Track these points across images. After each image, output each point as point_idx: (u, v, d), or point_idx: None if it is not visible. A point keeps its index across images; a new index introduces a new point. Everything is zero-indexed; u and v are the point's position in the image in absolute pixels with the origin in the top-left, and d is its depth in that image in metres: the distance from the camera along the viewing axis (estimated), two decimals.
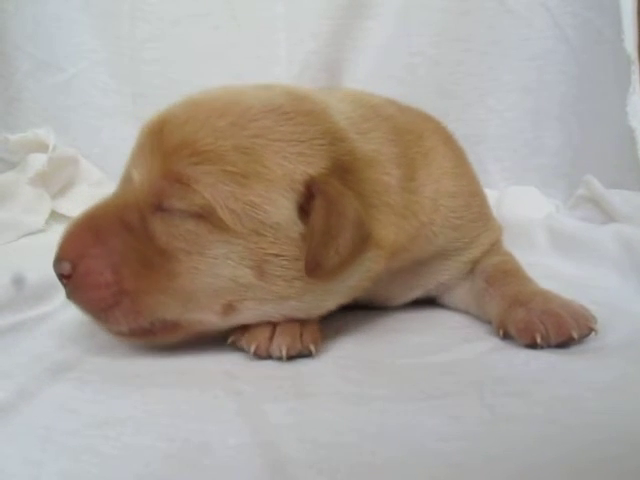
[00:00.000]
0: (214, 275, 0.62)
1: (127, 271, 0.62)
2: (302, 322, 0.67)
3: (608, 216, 1.20)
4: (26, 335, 0.74)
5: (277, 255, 0.63)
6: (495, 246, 0.86)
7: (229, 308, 0.64)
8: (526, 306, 0.69)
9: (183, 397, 0.57)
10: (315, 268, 0.62)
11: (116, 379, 0.62)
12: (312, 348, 0.66)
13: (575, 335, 0.65)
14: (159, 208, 0.63)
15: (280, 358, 0.65)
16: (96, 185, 1.56)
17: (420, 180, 0.76)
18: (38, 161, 1.44)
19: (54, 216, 1.46)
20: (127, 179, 0.67)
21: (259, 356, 0.65)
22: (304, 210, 0.63)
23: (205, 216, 0.61)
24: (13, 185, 1.42)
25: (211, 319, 0.65)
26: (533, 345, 0.66)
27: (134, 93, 1.66)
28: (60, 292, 0.87)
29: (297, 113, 0.66)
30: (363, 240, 0.64)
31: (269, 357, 0.65)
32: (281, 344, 0.64)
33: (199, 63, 1.61)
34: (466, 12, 1.58)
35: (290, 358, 0.65)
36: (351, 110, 0.73)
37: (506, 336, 0.70)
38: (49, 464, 0.46)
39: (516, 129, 1.58)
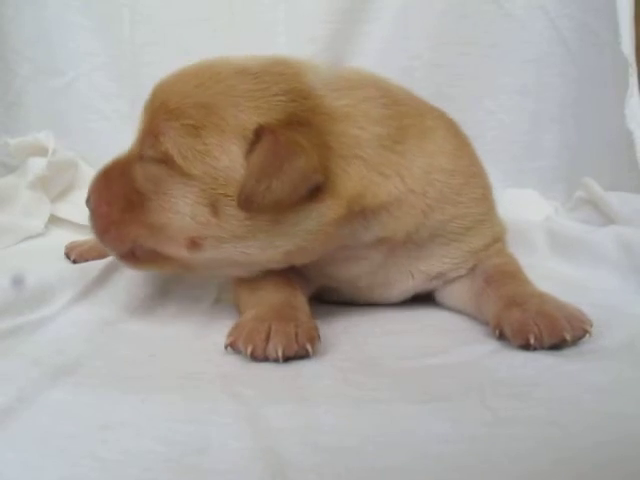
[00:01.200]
0: (175, 212, 0.73)
1: (116, 207, 0.77)
2: (297, 321, 0.68)
3: (607, 218, 1.20)
4: (25, 339, 0.74)
5: (228, 195, 0.70)
6: (498, 247, 0.86)
7: (193, 244, 0.74)
8: (522, 307, 0.69)
9: (182, 400, 0.57)
10: (245, 200, 0.68)
11: (115, 383, 0.61)
12: (309, 347, 0.66)
13: (568, 337, 0.65)
14: (141, 157, 0.76)
15: (277, 360, 0.64)
16: None
17: (409, 147, 0.78)
18: (37, 165, 1.44)
19: (53, 220, 1.46)
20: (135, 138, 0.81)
21: (256, 358, 0.65)
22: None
23: (166, 162, 0.72)
24: (12, 189, 1.43)
25: (180, 252, 0.75)
26: (526, 346, 0.66)
27: (134, 97, 1.65)
28: (58, 296, 0.88)
29: (264, 73, 0.74)
30: (308, 184, 0.69)
31: (266, 359, 0.65)
32: (277, 345, 0.65)
33: None
34: (464, 15, 1.58)
35: (287, 359, 0.65)
36: (337, 75, 0.78)
37: (502, 336, 0.70)
38: (48, 469, 0.46)
39: (515, 131, 1.58)
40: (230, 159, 0.70)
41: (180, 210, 0.72)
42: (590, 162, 1.46)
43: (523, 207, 1.38)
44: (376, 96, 0.78)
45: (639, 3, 1.40)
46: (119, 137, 1.65)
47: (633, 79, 1.36)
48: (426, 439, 0.49)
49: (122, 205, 0.76)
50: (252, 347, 0.65)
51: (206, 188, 0.71)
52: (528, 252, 1.05)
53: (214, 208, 0.71)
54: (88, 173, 1.57)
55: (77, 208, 1.48)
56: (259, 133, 0.69)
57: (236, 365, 0.65)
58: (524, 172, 1.57)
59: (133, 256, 0.79)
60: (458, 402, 0.56)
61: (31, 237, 1.37)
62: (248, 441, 0.49)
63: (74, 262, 1.15)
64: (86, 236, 1.30)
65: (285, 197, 0.68)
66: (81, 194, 1.50)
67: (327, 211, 0.72)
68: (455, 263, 0.83)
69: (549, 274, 0.95)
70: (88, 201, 0.81)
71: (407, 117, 0.79)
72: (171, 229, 0.74)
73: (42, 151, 1.47)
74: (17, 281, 0.87)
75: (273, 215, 0.71)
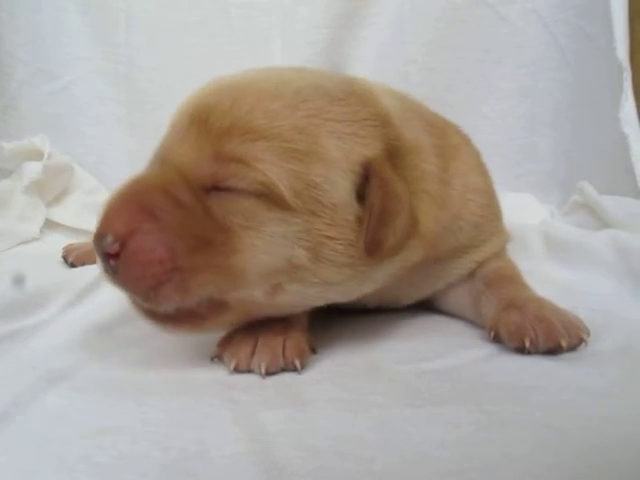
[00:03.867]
0: (270, 253, 0.61)
1: (182, 248, 0.59)
2: (286, 334, 0.66)
3: (602, 222, 1.20)
4: (21, 344, 0.74)
5: (332, 238, 0.62)
6: (500, 251, 0.86)
7: (277, 287, 0.63)
8: (520, 310, 0.69)
9: (178, 406, 0.57)
10: (375, 248, 0.62)
11: (111, 388, 0.61)
12: (297, 364, 0.64)
13: (564, 344, 0.65)
14: (214, 188, 0.61)
15: (260, 374, 0.63)
16: (91, 193, 1.56)
17: (451, 172, 0.76)
18: (33, 169, 1.44)
19: (49, 224, 1.46)
20: (162, 161, 0.65)
21: (239, 372, 0.64)
22: (358, 192, 0.63)
23: (265, 194, 0.60)
24: (7, 193, 1.42)
25: (258, 297, 0.63)
26: (521, 349, 0.66)
27: (129, 101, 1.66)
28: (54, 301, 0.87)
29: (347, 94, 0.65)
30: (413, 224, 0.64)
31: (250, 372, 0.64)
32: (261, 360, 0.63)
33: (195, 71, 1.60)
34: (460, 20, 1.59)
35: (272, 374, 0.63)
36: (391, 99, 0.72)
37: (496, 338, 0.70)
38: (43, 474, 0.46)
39: (510, 136, 1.59)
40: (339, 196, 0.61)
41: (276, 251, 0.61)
42: (586, 166, 1.47)
43: (519, 211, 1.38)
44: (421, 122, 0.74)
45: (632, 6, 1.41)
46: (115, 141, 1.66)
47: (627, 83, 1.36)
48: (422, 443, 0.49)
49: (191, 246, 0.59)
50: (236, 361, 0.63)
51: (310, 228, 0.61)
52: (524, 256, 1.04)
53: (314, 251, 0.61)
54: (83, 177, 1.58)
55: (72, 212, 1.48)
56: (366, 168, 0.62)
57: (231, 371, 0.64)
58: (520, 176, 1.57)
59: (196, 314, 0.62)
60: (454, 406, 0.56)
61: (26, 241, 1.37)
62: (244, 446, 0.49)
63: (72, 265, 1.15)
64: (82, 238, 1.31)
65: (404, 239, 0.63)
66: (76, 198, 1.52)
67: (410, 255, 0.68)
68: (464, 273, 0.83)
69: (545, 278, 0.95)
70: (109, 243, 0.58)
71: (442, 139, 0.76)
72: (259, 273, 0.61)
73: (37, 155, 1.47)
74: (17, 281, 0.87)
75: (381, 260, 0.64)
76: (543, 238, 1.18)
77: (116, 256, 0.58)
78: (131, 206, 0.60)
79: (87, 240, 1.27)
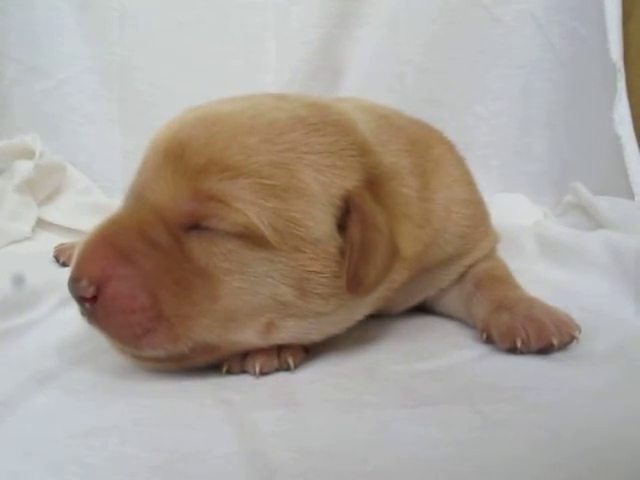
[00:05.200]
0: (255, 293, 0.60)
1: (165, 294, 0.57)
2: None
3: (596, 222, 1.20)
4: (11, 344, 0.73)
5: (317, 272, 0.61)
6: (489, 252, 0.86)
7: (271, 326, 0.62)
8: (510, 311, 0.69)
9: (170, 406, 0.57)
10: (357, 284, 0.61)
11: (101, 388, 0.61)
12: (290, 362, 0.64)
13: (555, 342, 0.65)
14: (193, 227, 0.59)
15: (254, 374, 0.63)
16: (83, 193, 1.55)
17: (432, 188, 0.75)
18: (24, 168, 1.42)
19: (40, 224, 1.44)
20: (137, 198, 0.63)
21: (233, 374, 0.63)
22: (339, 224, 0.62)
23: (247, 234, 0.58)
24: None
25: (252, 339, 0.62)
26: (513, 349, 0.66)
27: (122, 100, 1.65)
28: (45, 300, 0.87)
29: (324, 124, 0.64)
30: (394, 254, 0.64)
31: (244, 372, 0.64)
32: (255, 360, 0.63)
33: (188, 71, 1.61)
34: (455, 21, 1.59)
35: (265, 374, 0.63)
36: (369, 121, 0.72)
37: (489, 340, 0.70)
38: (32, 475, 0.45)
39: (504, 136, 1.59)
40: (322, 230, 0.60)
41: (260, 291, 0.60)
42: (579, 167, 1.47)
43: (513, 212, 1.38)
44: (402, 143, 0.73)
45: (626, 8, 1.42)
46: (107, 141, 1.66)
47: (621, 84, 1.37)
48: (416, 443, 0.49)
49: (173, 291, 0.58)
50: (228, 365, 0.63)
51: (294, 264, 0.60)
52: (517, 257, 1.05)
53: (299, 287, 0.60)
54: (75, 177, 1.57)
55: (64, 212, 1.47)
56: (346, 200, 0.61)
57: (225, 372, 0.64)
58: (514, 177, 1.58)
59: (186, 356, 0.61)
60: (448, 406, 0.56)
61: (18, 241, 1.36)
62: (236, 446, 0.49)
63: (63, 265, 1.14)
64: (74, 238, 1.30)
65: (385, 270, 0.63)
66: (68, 198, 1.51)
67: (397, 276, 0.68)
68: (454, 278, 0.83)
69: (538, 278, 0.95)
70: (84, 287, 0.57)
71: (423, 156, 0.76)
72: (246, 313, 0.60)
73: (29, 154, 1.46)
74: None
75: (364, 295, 0.64)
76: (536, 239, 1.18)
77: (92, 299, 0.58)
78: (106, 249, 0.59)
79: (78, 239, 1.27)
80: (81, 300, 0.58)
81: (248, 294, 0.60)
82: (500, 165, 1.57)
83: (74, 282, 0.58)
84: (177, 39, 1.63)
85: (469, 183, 0.84)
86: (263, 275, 0.60)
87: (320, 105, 0.68)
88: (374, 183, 0.65)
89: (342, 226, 0.62)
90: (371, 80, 1.57)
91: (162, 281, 0.58)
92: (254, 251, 0.59)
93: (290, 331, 0.63)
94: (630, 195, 1.32)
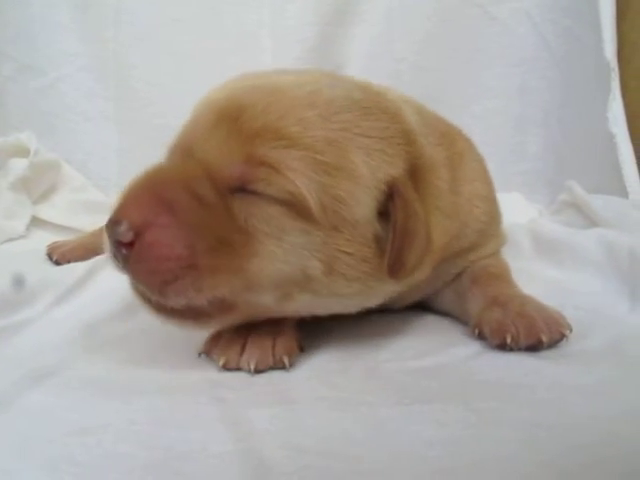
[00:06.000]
0: (288, 262, 0.60)
1: (202, 246, 0.57)
2: (276, 332, 0.66)
3: (590, 221, 1.20)
4: (6, 341, 0.73)
5: (348, 254, 0.61)
6: (495, 252, 0.87)
7: (288, 296, 0.63)
8: (503, 307, 0.69)
9: (164, 404, 0.56)
10: (399, 268, 0.62)
11: (96, 386, 0.61)
12: (285, 360, 0.64)
13: (544, 339, 0.65)
14: (240, 190, 0.60)
15: (249, 371, 0.63)
16: (78, 191, 1.55)
17: (459, 181, 0.76)
18: (19, 166, 1.42)
19: (35, 222, 1.44)
20: (185, 153, 0.63)
21: (228, 370, 0.63)
22: (379, 210, 0.63)
23: (292, 203, 0.59)
24: None
25: (268, 303, 0.63)
26: (503, 345, 0.67)
27: (117, 98, 1.64)
28: (40, 298, 0.86)
29: (377, 109, 0.65)
30: (429, 243, 0.65)
31: (239, 370, 0.63)
32: (251, 358, 0.63)
33: (184, 69, 1.60)
34: (450, 19, 1.59)
35: (261, 372, 0.63)
36: (412, 112, 0.72)
37: (481, 335, 0.70)
38: (26, 474, 0.45)
39: (499, 135, 1.59)
40: (363, 213, 0.61)
41: (293, 261, 0.60)
42: (574, 165, 1.48)
43: (508, 210, 1.38)
44: (435, 136, 0.74)
45: (620, 7, 1.42)
46: (103, 138, 1.65)
47: (615, 83, 1.38)
48: (410, 441, 0.49)
49: (211, 245, 0.58)
50: (225, 359, 0.63)
51: (329, 242, 0.60)
52: (513, 255, 1.04)
53: (329, 265, 0.61)
54: (70, 175, 1.56)
55: (59, 210, 1.47)
56: (391, 186, 0.62)
57: (219, 369, 0.64)
58: (509, 175, 1.58)
59: (203, 312, 0.61)
60: (442, 404, 0.56)
61: (12, 239, 1.35)
62: (231, 445, 0.49)
63: (56, 263, 1.14)
64: (69, 236, 1.29)
65: (422, 258, 0.64)
66: (63, 196, 1.51)
67: (419, 274, 0.68)
68: (459, 272, 0.82)
69: (533, 276, 0.96)
70: (123, 231, 0.56)
71: (451, 149, 0.76)
72: (273, 279, 0.61)
73: (24, 152, 1.46)
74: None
75: (401, 280, 0.65)
76: (531, 237, 1.18)
77: (129, 245, 0.57)
78: (150, 196, 0.58)
79: (72, 237, 1.26)
80: (118, 244, 0.58)
81: (280, 261, 0.60)
82: (495, 163, 1.56)
83: (114, 224, 0.57)
84: (172, 37, 1.62)
85: (488, 181, 0.85)
86: (298, 246, 0.60)
87: (373, 90, 0.69)
88: (416, 173, 0.66)
89: (382, 213, 0.63)
90: (367, 77, 1.57)
91: (201, 234, 0.58)
92: (296, 220, 0.60)
93: (303, 304, 0.64)
94: (624, 193, 1.32)
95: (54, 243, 1.20)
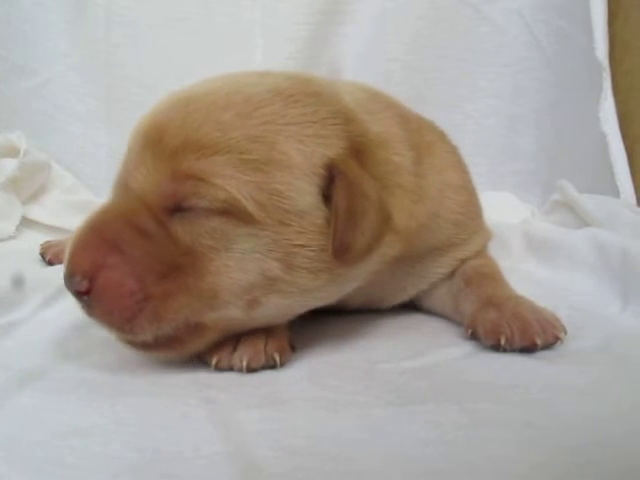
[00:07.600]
0: (243, 270, 0.59)
1: (152, 276, 0.58)
2: (268, 332, 0.65)
3: (582, 221, 1.21)
4: None
5: (303, 246, 0.60)
6: (482, 249, 0.86)
7: (254, 302, 0.61)
8: (498, 308, 0.69)
9: (153, 406, 0.56)
10: (344, 251, 0.60)
11: (84, 388, 0.60)
12: (276, 358, 0.63)
13: (539, 342, 0.65)
14: (176, 209, 0.59)
15: (241, 370, 0.62)
16: (68, 191, 1.54)
17: (426, 167, 0.74)
18: (9, 166, 1.41)
19: (25, 222, 1.43)
20: (123, 187, 0.63)
21: (221, 369, 0.63)
22: (324, 194, 0.61)
23: (229, 210, 0.58)
24: None
25: (235, 315, 0.61)
26: (497, 346, 0.66)
27: (108, 98, 1.64)
28: (29, 300, 0.86)
29: (304, 95, 0.63)
30: (385, 221, 0.63)
31: (231, 369, 0.63)
32: (243, 356, 0.62)
33: (175, 68, 1.59)
34: (442, 19, 1.59)
35: (253, 370, 0.62)
36: (357, 92, 0.71)
37: (473, 336, 0.70)
38: (12, 477, 0.44)
39: (492, 135, 1.60)
40: (305, 201, 0.60)
41: (249, 267, 0.59)
42: (566, 165, 1.48)
43: (500, 210, 1.38)
44: (394, 115, 0.72)
45: (612, 7, 1.43)
46: (93, 139, 1.64)
47: (607, 83, 1.38)
48: (403, 442, 0.49)
49: (160, 273, 0.58)
50: (217, 359, 0.63)
51: (279, 238, 0.59)
52: (505, 255, 1.05)
53: (286, 261, 0.60)
54: (61, 175, 1.55)
55: (49, 210, 1.46)
56: (330, 168, 0.61)
57: (209, 370, 0.63)
58: (501, 175, 1.58)
59: (175, 339, 0.61)
60: (435, 405, 0.55)
61: (1, 240, 1.34)
62: (221, 446, 0.48)
63: (49, 263, 1.13)
64: (60, 236, 1.28)
65: (375, 239, 0.61)
66: (54, 196, 1.50)
67: (389, 250, 0.67)
68: (446, 272, 0.82)
69: (525, 276, 0.96)
70: (78, 282, 0.58)
71: (416, 135, 0.75)
72: (233, 291, 0.60)
73: (14, 152, 1.44)
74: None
75: (353, 263, 0.63)
76: (524, 237, 1.19)
77: (87, 293, 0.58)
78: (96, 240, 0.59)
79: (65, 237, 1.25)
80: (78, 294, 0.59)
81: (235, 271, 0.59)
82: (487, 163, 1.58)
83: (69, 278, 0.59)
84: (163, 36, 1.62)
85: (462, 170, 0.83)
86: (249, 251, 0.59)
87: (302, 78, 0.67)
88: (360, 151, 0.64)
89: (328, 196, 0.61)
90: (358, 77, 1.55)
91: (149, 265, 0.58)
92: (238, 227, 0.59)
93: (273, 307, 0.63)
94: (616, 193, 1.33)
95: (46, 243, 1.19)
